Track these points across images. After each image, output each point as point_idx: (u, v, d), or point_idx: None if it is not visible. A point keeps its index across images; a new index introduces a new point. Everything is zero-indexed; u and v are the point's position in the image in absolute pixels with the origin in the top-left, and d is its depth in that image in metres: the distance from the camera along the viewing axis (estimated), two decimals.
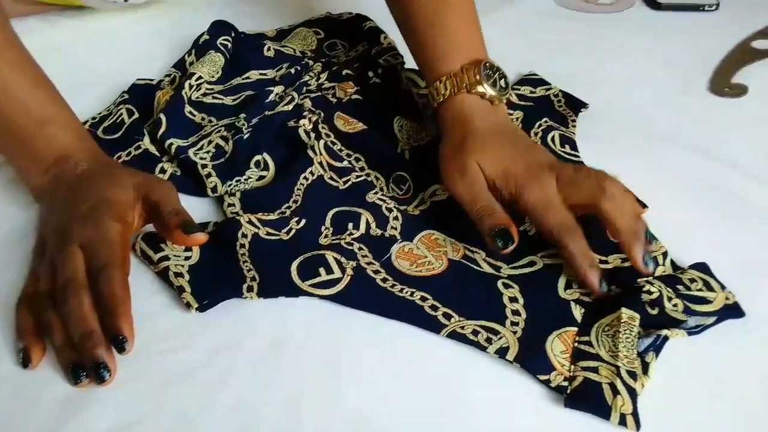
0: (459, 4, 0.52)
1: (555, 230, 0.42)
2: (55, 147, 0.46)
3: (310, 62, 0.63)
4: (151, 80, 0.62)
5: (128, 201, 0.43)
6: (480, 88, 0.49)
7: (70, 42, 0.69)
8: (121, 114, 0.57)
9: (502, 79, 0.50)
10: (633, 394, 0.37)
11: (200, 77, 0.59)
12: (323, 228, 0.47)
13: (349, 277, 0.43)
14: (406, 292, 0.42)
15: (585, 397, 0.37)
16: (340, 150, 0.54)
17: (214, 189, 0.50)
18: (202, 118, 0.57)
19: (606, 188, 0.42)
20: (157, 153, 0.53)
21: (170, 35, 0.70)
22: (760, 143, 0.58)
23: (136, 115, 0.56)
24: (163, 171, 0.52)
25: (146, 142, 0.53)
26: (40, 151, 0.46)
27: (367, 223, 0.47)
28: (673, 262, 0.45)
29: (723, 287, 0.43)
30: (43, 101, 0.46)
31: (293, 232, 0.46)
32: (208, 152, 0.52)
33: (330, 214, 0.48)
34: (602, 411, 0.36)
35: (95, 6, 0.72)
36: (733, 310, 0.42)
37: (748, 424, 0.37)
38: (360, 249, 0.45)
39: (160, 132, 0.53)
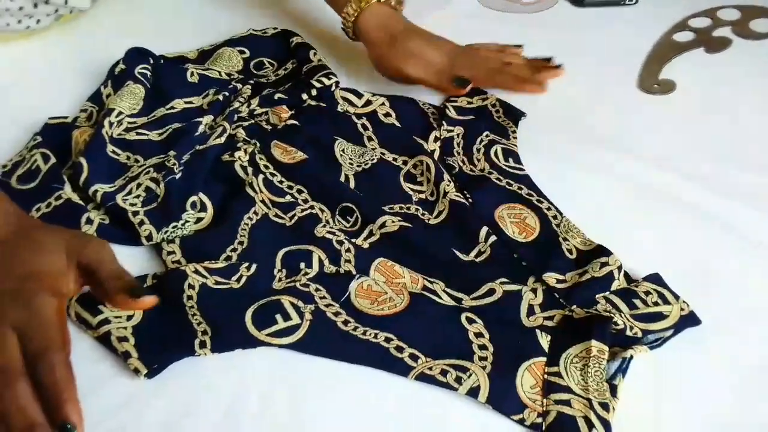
0: None
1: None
2: None
3: (239, 86, 0.60)
4: (65, 118, 0.57)
5: (60, 269, 0.39)
6: None
7: None
8: (36, 159, 0.52)
9: None
10: (607, 426, 0.37)
11: (120, 112, 0.55)
12: (275, 271, 0.45)
13: (308, 323, 0.41)
14: (370, 334, 0.41)
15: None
16: (281, 182, 0.51)
17: (149, 237, 0.47)
18: (128, 158, 0.53)
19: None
20: (80, 202, 0.49)
21: (80, 64, 0.65)
22: (696, 138, 0.59)
23: (53, 159, 0.52)
24: (89, 221, 0.48)
25: (67, 191, 0.49)
26: None
27: (320, 261, 0.45)
28: (627, 275, 0.45)
29: (677, 297, 0.44)
30: None
31: (244, 279, 0.44)
32: (138, 197, 0.49)
33: (280, 254, 0.46)
34: None
35: None
36: (689, 320, 0.43)
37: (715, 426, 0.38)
38: (317, 290, 0.43)
39: (82, 178, 0.49)
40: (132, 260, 0.46)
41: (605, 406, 0.37)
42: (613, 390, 0.38)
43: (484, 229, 0.48)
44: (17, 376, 0.35)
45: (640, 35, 0.74)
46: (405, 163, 0.54)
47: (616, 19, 0.78)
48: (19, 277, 0.38)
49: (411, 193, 0.52)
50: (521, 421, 0.37)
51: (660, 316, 0.42)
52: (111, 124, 0.54)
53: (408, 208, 0.51)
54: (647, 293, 0.43)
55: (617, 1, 0.80)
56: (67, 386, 0.35)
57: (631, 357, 0.40)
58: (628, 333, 0.40)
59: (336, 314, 0.42)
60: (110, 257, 0.41)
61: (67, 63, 0.66)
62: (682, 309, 0.43)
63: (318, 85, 0.59)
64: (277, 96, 0.58)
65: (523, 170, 0.54)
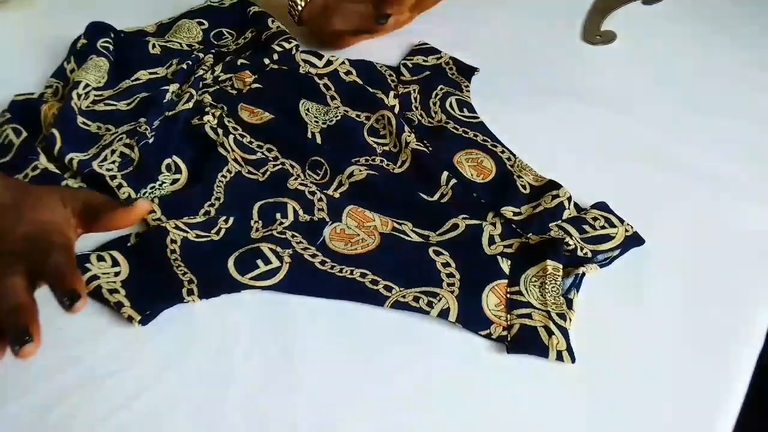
0: None
1: None
2: None
3: (201, 55, 0.62)
4: (32, 94, 0.58)
5: (64, 221, 0.40)
6: None
7: None
8: (7, 134, 0.53)
9: None
10: (565, 332, 0.41)
11: (87, 84, 0.57)
12: (252, 222, 0.47)
13: (287, 265, 0.44)
14: (346, 272, 0.44)
15: (524, 342, 0.41)
16: (251, 142, 0.54)
17: (128, 199, 0.49)
18: (98, 127, 0.54)
19: None
20: (57, 171, 0.51)
21: (39, 41, 0.66)
22: (634, 83, 0.63)
23: (24, 133, 0.53)
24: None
25: (43, 161, 0.51)
26: None
27: (295, 211, 0.48)
28: (576, 205, 0.49)
29: (622, 221, 0.48)
30: None
31: (223, 231, 0.46)
32: (113, 162, 0.51)
33: (256, 207, 0.48)
34: (541, 351, 0.40)
35: None
36: (633, 240, 0.47)
37: (659, 338, 0.42)
38: (293, 236, 0.46)
39: (56, 148, 0.51)
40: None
41: (563, 317, 0.41)
42: (569, 303, 0.43)
43: (445, 174, 0.51)
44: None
45: None
46: (368, 118, 0.57)
47: None
48: (29, 233, 0.39)
49: (375, 146, 0.55)
50: (488, 336, 0.41)
51: (607, 238, 0.46)
52: (79, 96, 0.55)
53: (373, 160, 0.54)
54: (595, 219, 0.47)
55: None
56: (74, 269, 0.35)
57: (584, 274, 0.44)
58: (579, 254, 0.44)
59: (313, 256, 0.45)
60: (99, 195, 0.42)
61: (26, 41, 0.67)
62: (626, 231, 0.47)
63: (279, 49, 0.61)
64: (239, 62, 0.60)
65: (478, 118, 0.58)
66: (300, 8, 0.64)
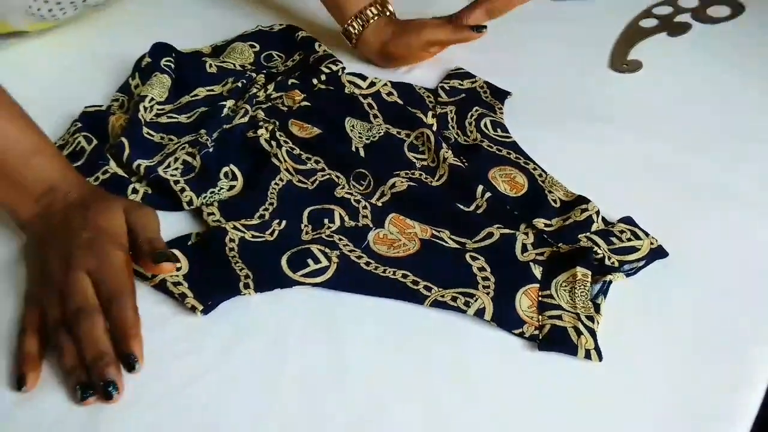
0: None
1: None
2: (43, 178, 0.47)
3: (253, 75, 0.67)
4: (100, 106, 0.63)
5: (123, 229, 0.46)
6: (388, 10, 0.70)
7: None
8: (79, 141, 0.58)
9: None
10: (593, 333, 0.44)
11: (152, 99, 0.62)
12: (302, 226, 0.51)
13: (335, 265, 0.48)
14: (389, 272, 0.48)
15: (554, 341, 0.44)
16: (299, 155, 0.58)
17: (190, 202, 0.53)
18: (161, 138, 0.59)
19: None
20: (125, 175, 0.55)
21: (104, 59, 0.72)
22: (659, 108, 0.67)
23: (95, 141, 0.58)
24: (135, 191, 0.54)
25: (113, 166, 0.56)
26: (28, 183, 0.47)
27: (341, 217, 0.52)
28: (604, 219, 0.53)
29: (647, 234, 0.51)
30: (27, 133, 0.48)
31: (276, 233, 0.50)
32: (176, 169, 0.55)
33: (306, 212, 0.52)
34: (570, 349, 0.43)
35: (21, 27, 0.71)
36: (657, 252, 0.50)
37: (679, 342, 0.45)
38: (340, 239, 0.50)
39: (125, 155, 0.56)
40: (177, 223, 0.52)
41: (591, 319, 0.45)
42: (597, 308, 0.46)
43: (480, 187, 0.55)
44: (94, 312, 0.42)
45: (609, 23, 0.82)
46: (408, 135, 0.61)
47: (587, 10, 0.86)
48: (91, 233, 0.45)
49: (414, 160, 0.59)
50: (521, 334, 0.44)
51: (633, 250, 0.49)
52: (145, 108, 0.60)
53: (413, 173, 0.58)
54: (621, 232, 0.51)
55: None
56: (134, 324, 0.42)
57: (611, 281, 0.47)
58: (607, 263, 0.48)
59: (359, 257, 0.49)
60: (153, 226, 0.48)
61: (92, 59, 0.72)
62: (651, 243, 0.50)
63: (326, 71, 0.66)
64: (290, 82, 0.65)
65: (511, 138, 0.62)
66: (358, 30, 0.70)
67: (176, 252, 0.49)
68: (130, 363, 0.40)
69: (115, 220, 0.46)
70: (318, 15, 0.79)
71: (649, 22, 0.82)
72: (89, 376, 0.40)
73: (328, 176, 0.56)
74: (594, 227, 0.51)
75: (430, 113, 0.64)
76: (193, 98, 0.64)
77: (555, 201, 0.54)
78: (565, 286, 0.47)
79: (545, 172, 0.57)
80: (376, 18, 0.70)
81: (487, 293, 0.46)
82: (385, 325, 0.45)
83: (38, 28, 0.73)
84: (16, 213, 0.48)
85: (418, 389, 0.42)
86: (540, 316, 0.45)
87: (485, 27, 0.68)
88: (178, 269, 0.48)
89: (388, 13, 0.71)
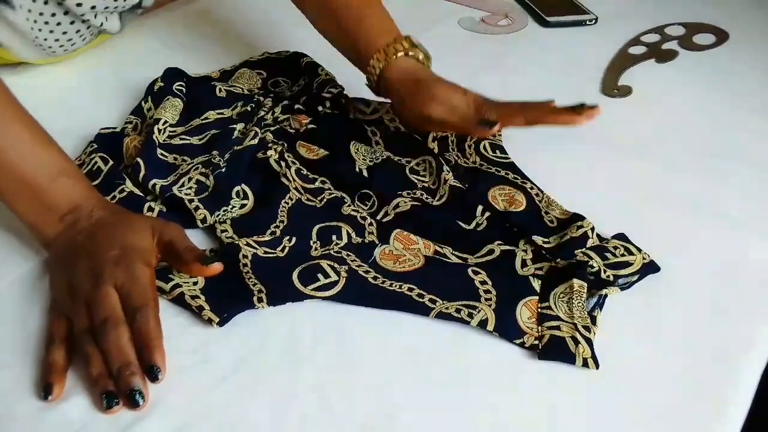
0: (376, 3, 0.68)
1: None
2: (69, 197, 0.50)
3: (261, 99, 0.70)
4: (115, 128, 0.66)
5: (149, 246, 0.48)
6: (414, 52, 0.63)
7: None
8: (96, 162, 0.61)
9: (423, 48, 0.65)
10: (590, 342, 0.47)
11: (165, 121, 0.64)
12: (311, 242, 0.54)
13: (344, 279, 0.50)
14: (395, 286, 0.50)
15: (553, 350, 0.46)
16: (306, 175, 0.61)
17: (204, 220, 0.56)
18: (174, 158, 0.62)
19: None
20: (141, 194, 0.58)
21: (116, 84, 0.74)
22: (649, 131, 0.70)
23: (111, 162, 0.61)
24: (151, 209, 0.56)
25: (129, 185, 0.58)
26: (54, 203, 0.49)
27: (348, 234, 0.55)
28: (598, 235, 0.56)
29: (639, 250, 0.54)
30: (53, 154, 0.50)
31: (287, 249, 0.53)
32: (190, 188, 0.58)
33: (314, 229, 0.55)
34: (568, 358, 0.46)
35: (30, 60, 0.74)
36: (650, 267, 0.53)
37: (671, 352, 0.47)
38: (348, 255, 0.52)
39: (141, 175, 0.58)
40: (191, 240, 0.55)
41: (588, 329, 0.47)
42: (593, 320, 0.48)
43: (480, 207, 0.58)
44: (120, 323, 0.44)
45: (599, 50, 0.86)
46: (408, 162, 0.64)
47: (578, 38, 0.90)
48: (120, 248, 0.47)
49: (416, 181, 0.62)
50: (522, 344, 0.47)
51: (627, 264, 0.52)
52: (159, 130, 0.63)
53: (414, 194, 0.60)
54: (615, 248, 0.54)
55: (579, 21, 0.92)
56: (157, 336, 0.44)
57: (606, 295, 0.50)
58: (603, 276, 0.50)
59: (366, 272, 0.51)
60: (185, 236, 0.50)
61: (105, 83, 0.75)
62: (644, 258, 0.53)
63: (328, 95, 0.69)
64: (296, 107, 0.68)
65: (509, 158, 0.65)
66: (379, 68, 0.62)
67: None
68: (153, 373, 0.42)
69: (142, 238, 0.48)
70: (321, 41, 0.82)
71: (637, 49, 0.86)
72: (115, 385, 0.42)
73: (335, 194, 0.59)
74: (589, 243, 0.54)
75: (430, 136, 0.67)
76: (203, 121, 0.67)
77: (552, 221, 0.57)
78: (563, 297, 0.49)
79: (542, 192, 0.60)
80: (399, 55, 0.62)
81: (490, 305, 0.49)
82: (393, 336, 0.48)
83: (50, 62, 0.76)
84: (41, 232, 0.50)
85: (425, 396, 0.44)
86: (540, 327, 0.48)
87: (495, 123, 0.58)
88: (194, 284, 0.50)
89: (422, 60, 0.63)
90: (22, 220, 0.51)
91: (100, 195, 0.53)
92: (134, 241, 0.48)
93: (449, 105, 0.60)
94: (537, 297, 0.50)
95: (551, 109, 0.59)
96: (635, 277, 0.52)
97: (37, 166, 0.49)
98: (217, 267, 0.48)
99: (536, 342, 0.47)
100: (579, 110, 0.58)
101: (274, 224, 0.55)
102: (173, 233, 0.49)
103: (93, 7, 0.67)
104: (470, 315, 0.48)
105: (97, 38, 0.77)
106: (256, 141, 0.63)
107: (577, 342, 0.46)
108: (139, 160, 0.59)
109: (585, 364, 0.45)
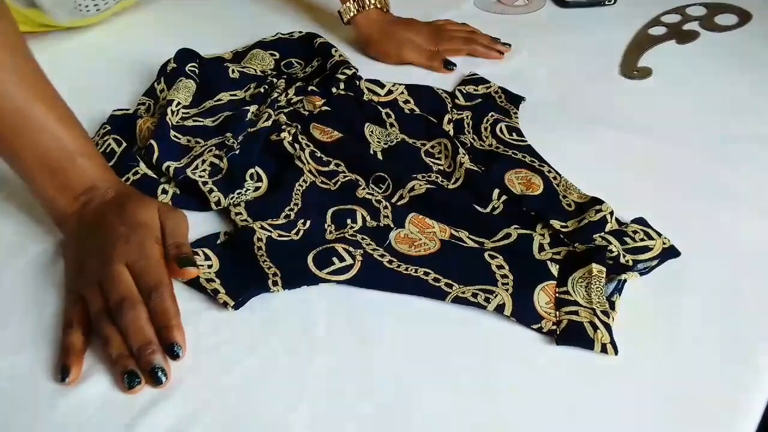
0: None
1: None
2: (86, 177, 0.50)
3: (274, 80, 0.69)
4: (127, 110, 0.66)
5: (158, 225, 0.48)
6: (381, 4, 0.78)
7: None
8: (109, 143, 0.60)
9: None
10: (608, 328, 0.46)
11: (179, 103, 0.64)
12: (326, 225, 0.53)
13: (359, 263, 0.50)
14: (411, 270, 0.50)
15: (572, 335, 0.46)
16: (321, 157, 0.60)
17: (218, 203, 0.55)
18: (188, 140, 0.61)
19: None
20: (155, 176, 0.57)
21: (128, 65, 0.74)
22: (669, 113, 0.69)
23: (124, 144, 0.60)
24: (164, 192, 0.56)
25: (143, 167, 0.58)
26: (71, 182, 0.49)
27: (363, 217, 0.54)
28: (617, 219, 0.55)
29: (659, 234, 0.53)
30: (73, 134, 0.50)
31: (301, 232, 0.52)
32: (204, 170, 0.57)
33: (329, 213, 0.54)
34: (587, 344, 0.45)
35: (58, 21, 0.73)
36: (670, 252, 0.52)
37: (691, 336, 0.47)
38: (363, 239, 0.52)
39: (155, 157, 0.58)
40: (203, 222, 0.55)
41: (606, 314, 0.46)
42: (612, 305, 0.47)
43: (496, 191, 0.57)
44: (137, 302, 0.44)
45: (619, 31, 0.84)
46: (423, 144, 0.63)
47: (597, 18, 0.88)
48: (130, 226, 0.47)
49: (431, 164, 0.61)
50: (539, 329, 0.46)
51: (646, 249, 0.51)
52: (172, 112, 0.62)
53: (429, 176, 0.60)
54: (635, 232, 0.53)
55: (598, 1, 0.91)
56: (175, 314, 0.44)
57: (625, 280, 0.49)
58: (621, 261, 0.50)
59: (381, 256, 0.51)
60: (183, 230, 0.50)
61: (117, 64, 0.75)
62: (664, 243, 0.52)
63: (342, 77, 0.68)
64: (310, 88, 0.67)
65: (526, 141, 0.64)
66: (352, 13, 0.77)
67: (206, 250, 0.51)
68: (174, 351, 0.42)
69: (151, 217, 0.48)
70: (334, 20, 0.81)
71: (657, 30, 0.84)
72: (137, 364, 0.42)
73: (349, 177, 0.58)
74: (608, 227, 0.53)
75: (447, 117, 0.66)
76: (216, 102, 0.66)
77: (569, 205, 0.56)
78: (581, 282, 0.48)
79: (559, 175, 0.59)
80: (371, 7, 0.77)
81: (507, 290, 0.48)
82: (408, 320, 0.47)
83: (76, 24, 0.76)
84: (57, 209, 0.50)
85: (442, 380, 0.44)
86: (557, 312, 0.47)
87: (455, 65, 0.75)
88: (209, 267, 0.50)
89: (385, 9, 0.78)
90: (38, 196, 0.51)
91: (116, 177, 0.52)
92: (143, 219, 0.47)
93: (415, 44, 0.76)
94: (555, 282, 0.49)
95: (484, 47, 0.78)
96: (655, 262, 0.51)
97: (59, 144, 0.49)
98: (190, 272, 0.47)
99: (554, 327, 0.46)
100: (500, 45, 0.79)
101: (288, 207, 0.55)
102: (171, 223, 0.49)
103: None
104: (487, 300, 0.47)
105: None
106: (269, 123, 0.62)
107: (595, 327, 0.45)
108: (152, 142, 0.59)
109: (604, 350, 0.45)
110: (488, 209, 0.56)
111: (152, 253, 0.46)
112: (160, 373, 0.42)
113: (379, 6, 0.78)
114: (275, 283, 0.48)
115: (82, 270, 0.46)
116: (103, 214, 0.48)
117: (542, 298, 0.48)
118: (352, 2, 0.77)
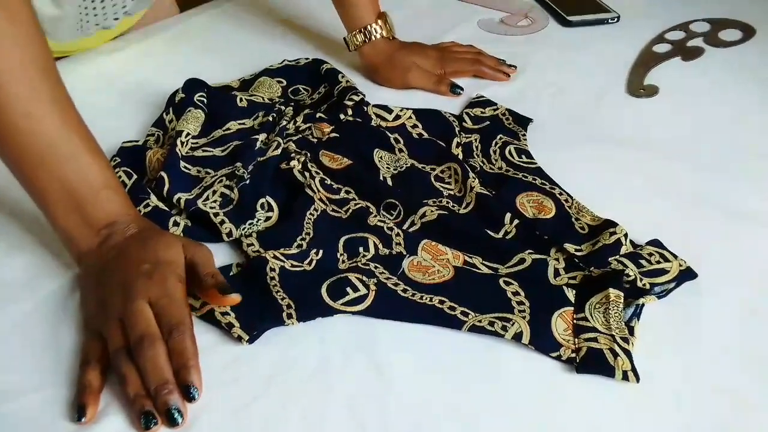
0: None
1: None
2: (108, 212, 0.49)
3: (282, 108, 0.69)
4: (137, 141, 0.66)
5: (181, 261, 0.48)
6: (388, 32, 0.78)
7: None
8: (120, 176, 0.60)
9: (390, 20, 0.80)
10: (629, 354, 0.45)
11: (188, 133, 0.64)
12: (338, 255, 0.53)
13: (374, 292, 0.49)
14: (426, 299, 0.49)
15: (592, 363, 0.45)
16: (331, 185, 0.60)
17: (230, 234, 0.55)
18: (198, 171, 0.61)
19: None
20: (166, 208, 0.57)
21: (137, 96, 0.74)
22: (677, 130, 0.69)
23: (135, 176, 0.60)
24: (176, 224, 0.56)
25: (153, 199, 0.57)
26: (93, 216, 0.49)
27: (375, 245, 0.54)
28: (632, 242, 0.54)
29: (675, 256, 0.52)
30: (98, 166, 0.50)
31: (314, 262, 0.52)
32: (215, 201, 0.57)
33: (341, 241, 0.54)
34: (608, 371, 0.44)
35: (64, 41, 0.74)
36: (687, 274, 0.51)
37: (712, 359, 0.46)
38: (376, 267, 0.51)
39: (165, 189, 0.58)
40: (217, 254, 0.54)
41: (626, 340, 0.46)
42: (631, 330, 0.47)
43: (508, 215, 0.56)
44: (156, 341, 0.43)
45: (623, 49, 0.84)
46: (433, 169, 0.63)
47: (601, 36, 0.89)
48: (153, 262, 0.46)
49: (442, 189, 0.61)
50: (558, 357, 0.46)
51: (663, 272, 0.51)
52: (182, 143, 0.62)
53: (440, 201, 0.59)
54: (650, 254, 0.52)
55: (601, 20, 0.91)
56: (194, 355, 0.44)
57: (643, 304, 0.48)
58: (639, 285, 0.49)
59: (395, 284, 0.50)
60: (211, 261, 0.50)
61: (124, 95, 0.75)
62: (680, 265, 0.51)
63: (350, 103, 0.68)
64: (318, 115, 0.67)
65: (535, 163, 0.63)
66: (359, 43, 0.78)
67: None
68: (190, 393, 0.42)
69: (174, 253, 0.48)
70: (340, 46, 0.82)
71: (662, 47, 0.84)
72: (153, 404, 0.41)
73: (360, 205, 0.58)
74: (623, 250, 0.53)
75: (455, 140, 0.66)
76: (225, 132, 0.66)
77: (582, 228, 0.55)
78: (599, 307, 0.48)
79: (571, 198, 0.59)
80: (377, 37, 0.78)
81: (524, 317, 0.48)
82: (425, 351, 0.47)
83: (77, 47, 0.76)
84: (76, 244, 0.50)
85: (459, 412, 0.43)
86: (576, 339, 0.46)
87: (462, 89, 0.75)
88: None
89: (391, 37, 0.79)
90: (58, 229, 0.50)
91: (137, 211, 0.52)
92: (166, 256, 0.47)
93: (421, 70, 0.77)
94: (572, 308, 0.48)
95: (490, 68, 0.79)
96: (672, 285, 0.50)
97: (83, 177, 0.49)
98: (234, 298, 0.47)
99: (573, 355, 0.46)
100: (506, 67, 0.80)
101: (300, 237, 0.54)
102: (200, 256, 0.49)
103: None
104: (504, 328, 0.47)
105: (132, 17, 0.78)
106: (279, 151, 0.62)
107: (615, 354, 0.45)
108: (163, 173, 0.59)
109: (625, 377, 0.44)
110: (501, 234, 0.55)
111: (175, 291, 0.45)
112: (176, 414, 0.41)
113: (385, 35, 0.78)
114: (290, 316, 0.48)
115: (103, 306, 0.46)
116: (126, 250, 0.48)
117: (560, 324, 0.47)
118: (358, 32, 0.78)
